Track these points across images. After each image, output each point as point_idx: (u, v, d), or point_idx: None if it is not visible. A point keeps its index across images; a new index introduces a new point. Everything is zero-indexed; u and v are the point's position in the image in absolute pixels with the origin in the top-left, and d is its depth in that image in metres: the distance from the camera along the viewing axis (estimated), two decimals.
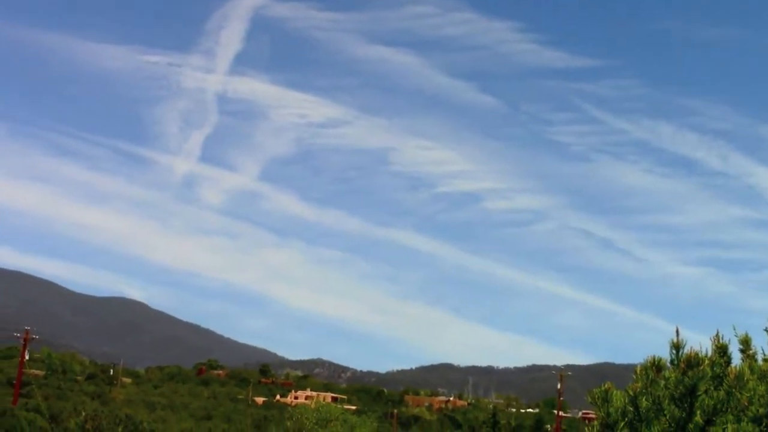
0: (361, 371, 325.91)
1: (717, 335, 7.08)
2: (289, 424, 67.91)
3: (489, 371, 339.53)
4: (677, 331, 6.97)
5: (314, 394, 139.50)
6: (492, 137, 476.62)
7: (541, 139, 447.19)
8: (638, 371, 7.32)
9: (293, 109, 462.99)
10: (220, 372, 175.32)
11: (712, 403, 6.75)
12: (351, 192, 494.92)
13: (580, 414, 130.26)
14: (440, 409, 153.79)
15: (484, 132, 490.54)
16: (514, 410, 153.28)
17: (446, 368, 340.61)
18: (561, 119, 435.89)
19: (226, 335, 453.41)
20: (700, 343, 7.00)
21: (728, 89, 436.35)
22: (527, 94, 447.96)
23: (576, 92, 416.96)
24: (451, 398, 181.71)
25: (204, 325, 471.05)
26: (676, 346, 7.02)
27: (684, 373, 6.90)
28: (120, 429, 48.76)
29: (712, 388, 6.85)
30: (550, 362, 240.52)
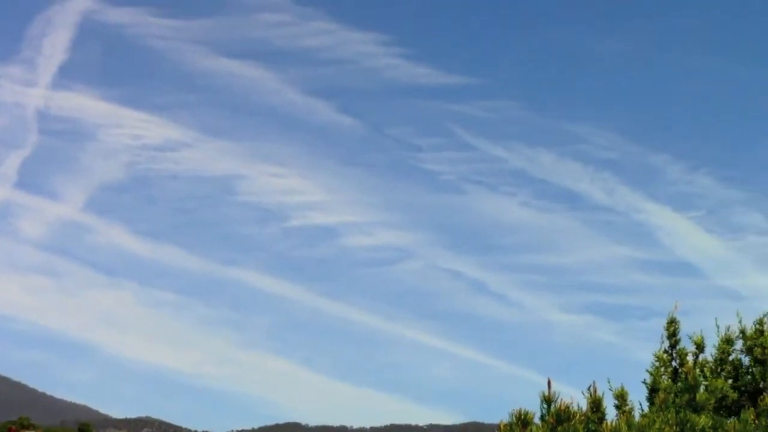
0: (195, 431, 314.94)
1: (592, 387, 6.59)
2: None
3: (342, 431, 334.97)
4: (549, 383, 6.44)
5: None
6: (352, 164, 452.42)
7: (408, 167, 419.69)
8: (502, 428, 6.78)
9: (126, 129, 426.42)
10: None
11: None
12: (191, 225, 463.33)
13: None
14: None
15: (343, 158, 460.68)
16: None
17: (294, 428, 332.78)
18: (430, 144, 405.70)
19: (41, 389, 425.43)
20: (571, 396, 6.49)
21: (616, 113, 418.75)
22: (392, 115, 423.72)
23: (447, 114, 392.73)
24: None
25: (15, 377, 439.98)
26: (547, 400, 6.48)
27: (553, 430, 6.38)
28: None
29: None
30: (412, 421, 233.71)
